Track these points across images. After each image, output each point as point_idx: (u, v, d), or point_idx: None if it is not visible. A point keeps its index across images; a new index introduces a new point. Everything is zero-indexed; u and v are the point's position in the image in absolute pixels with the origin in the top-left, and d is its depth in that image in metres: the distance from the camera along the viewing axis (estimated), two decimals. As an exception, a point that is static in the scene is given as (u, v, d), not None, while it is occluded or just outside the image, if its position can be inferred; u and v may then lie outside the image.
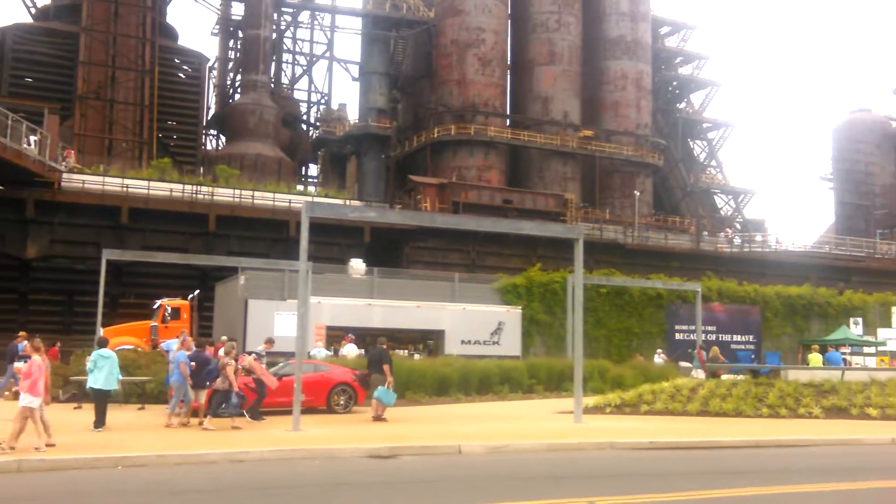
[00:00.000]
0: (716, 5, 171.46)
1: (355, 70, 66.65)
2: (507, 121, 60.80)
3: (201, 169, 54.95)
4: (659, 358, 30.57)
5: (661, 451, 14.61)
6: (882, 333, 38.33)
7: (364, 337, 28.76)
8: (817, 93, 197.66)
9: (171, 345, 19.63)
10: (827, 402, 20.87)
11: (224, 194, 42.79)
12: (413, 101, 64.72)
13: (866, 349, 37.20)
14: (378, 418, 17.93)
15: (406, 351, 29.66)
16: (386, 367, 18.18)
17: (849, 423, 19.24)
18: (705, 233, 59.00)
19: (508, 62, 63.70)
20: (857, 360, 35.59)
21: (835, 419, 19.75)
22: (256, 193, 43.51)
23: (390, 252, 43.44)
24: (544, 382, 26.47)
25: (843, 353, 33.85)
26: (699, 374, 26.52)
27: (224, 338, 24.86)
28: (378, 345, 19.51)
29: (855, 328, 37.77)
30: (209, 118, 66.66)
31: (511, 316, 31.58)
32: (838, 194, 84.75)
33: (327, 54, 70.17)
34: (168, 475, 11.33)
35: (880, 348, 37.67)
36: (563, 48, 61.30)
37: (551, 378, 26.69)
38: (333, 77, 69.75)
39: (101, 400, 15.55)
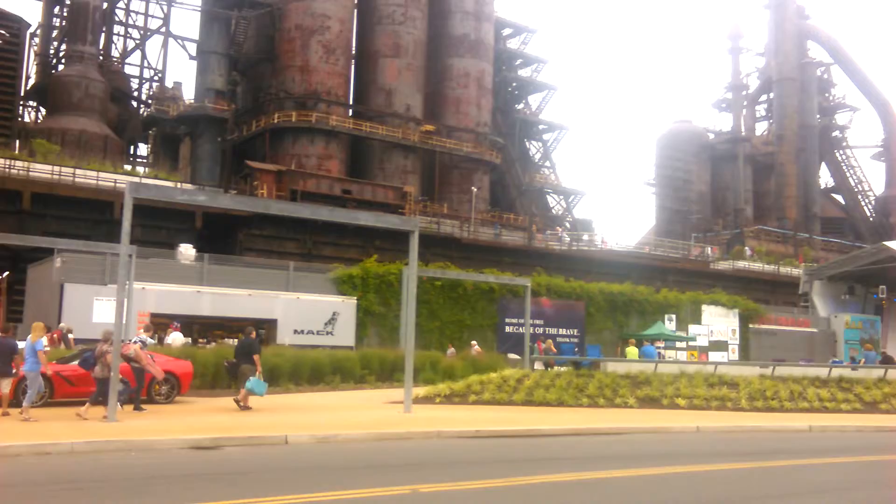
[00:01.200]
0: (556, 12, 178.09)
1: (193, 48, 63.99)
2: (350, 111, 60.41)
3: (17, 142, 51.05)
4: (473, 351, 30.80)
5: (487, 440, 14.95)
6: (692, 329, 41.15)
7: (191, 325, 27.72)
8: (647, 101, 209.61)
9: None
10: (641, 392, 22.12)
11: (42, 170, 39.98)
12: (253, 84, 63.01)
13: (679, 344, 39.79)
14: (245, 407, 17.80)
15: (236, 340, 28.81)
16: (256, 357, 18.24)
17: (660, 412, 20.46)
18: (548, 232, 61.18)
19: (353, 52, 63.29)
20: (670, 354, 38.03)
21: (648, 408, 20.95)
22: (78, 171, 40.93)
23: (224, 239, 42.13)
24: (377, 373, 26.52)
25: (658, 348, 36.04)
26: (539, 364, 27.44)
27: (63, 325, 23.48)
28: (246, 334, 19.33)
29: (669, 324, 40.28)
30: (28, 88, 61.99)
31: (346, 306, 31.38)
32: (660, 199, 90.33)
33: (163, 29, 67.01)
34: (-39, 470, 10.40)
35: (691, 343, 40.44)
36: (408, 42, 61.60)
37: (384, 369, 26.79)
38: (169, 54, 66.74)
39: None
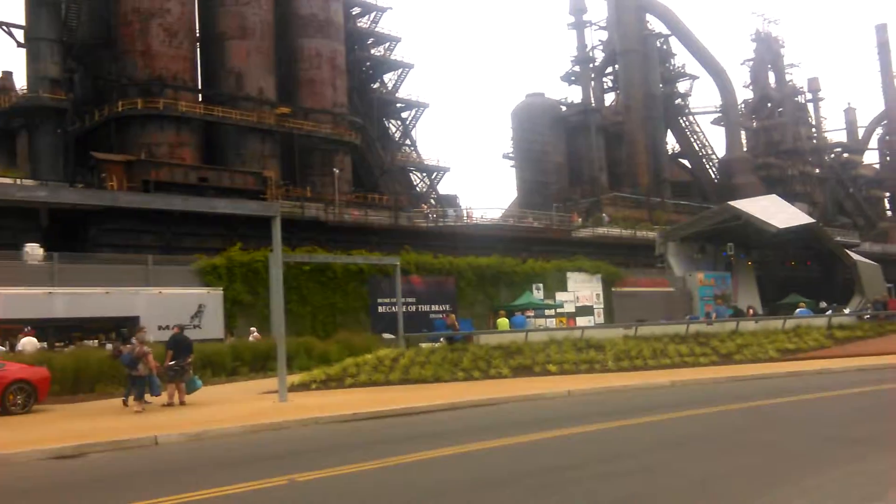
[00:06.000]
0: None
1: (20, 35, 59.69)
2: (200, 96, 58.26)
3: None
4: (251, 337, 29.65)
5: (365, 422, 14.86)
6: (559, 296, 42.39)
7: (46, 329, 26.11)
8: (502, 75, 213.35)
9: None
10: (514, 361, 22.61)
11: None
12: (92, 71, 59.45)
13: (547, 311, 40.94)
14: (182, 403, 18.10)
15: (96, 341, 27.43)
16: (192, 355, 18.59)
17: (533, 379, 20.98)
18: (414, 210, 61.23)
19: (198, 35, 60.94)
20: (539, 322, 39.06)
21: (521, 377, 21.44)
22: None
23: (74, 236, 39.81)
24: (249, 363, 25.87)
25: (528, 317, 36.94)
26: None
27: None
28: (179, 330, 19.27)
29: (537, 293, 41.35)
30: None
31: (212, 298, 30.41)
32: (519, 171, 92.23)
33: (-13, 16, 62.15)
34: None
35: (559, 310, 41.68)
36: (255, 23, 59.83)
37: (257, 359, 26.15)
38: (-4, 42, 61.85)
39: None
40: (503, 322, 30.08)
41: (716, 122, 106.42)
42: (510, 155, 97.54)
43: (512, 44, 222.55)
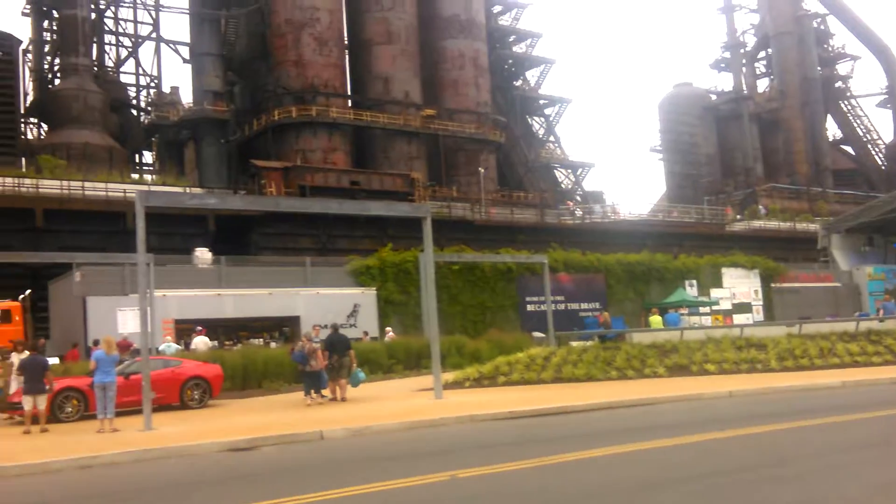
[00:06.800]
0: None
1: (185, 52, 63.76)
2: (349, 101, 60.18)
3: (23, 160, 51.12)
4: (387, 337, 29.34)
5: (521, 420, 14.91)
6: (714, 293, 40.89)
7: (216, 328, 27.77)
8: (646, 66, 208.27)
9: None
10: (669, 361, 22.00)
11: (51, 186, 40.07)
12: (250, 83, 62.78)
13: (702, 309, 39.58)
14: (343, 399, 19.01)
15: (261, 340, 28.91)
16: (352, 351, 19.43)
17: (690, 379, 20.36)
18: (560, 206, 60.93)
19: (346, 42, 62.97)
20: (694, 320, 37.84)
21: (678, 377, 20.84)
22: (87, 184, 40.99)
23: (237, 240, 42.14)
24: (404, 362, 26.53)
25: (682, 314, 35.87)
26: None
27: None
28: (334, 330, 20.27)
29: (690, 290, 40.05)
30: (28, 105, 61.92)
31: (366, 297, 31.36)
32: (668, 164, 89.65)
33: (154, 35, 66.67)
34: (5, 488, 10.43)
35: (714, 307, 40.20)
36: (399, 27, 61.23)
37: (410, 357, 26.78)
38: (162, 59, 66.45)
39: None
40: (656, 320, 29.38)
41: (881, 104, 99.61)
42: (657, 148, 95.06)
43: (657, 33, 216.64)
